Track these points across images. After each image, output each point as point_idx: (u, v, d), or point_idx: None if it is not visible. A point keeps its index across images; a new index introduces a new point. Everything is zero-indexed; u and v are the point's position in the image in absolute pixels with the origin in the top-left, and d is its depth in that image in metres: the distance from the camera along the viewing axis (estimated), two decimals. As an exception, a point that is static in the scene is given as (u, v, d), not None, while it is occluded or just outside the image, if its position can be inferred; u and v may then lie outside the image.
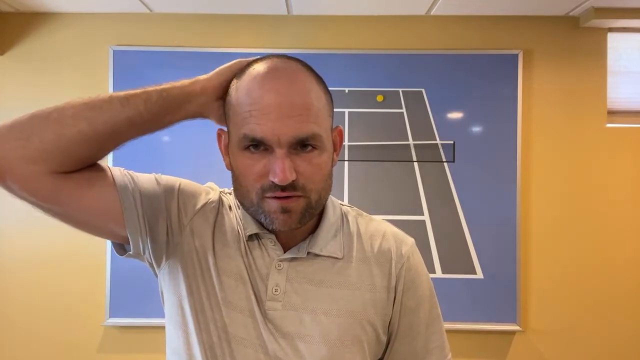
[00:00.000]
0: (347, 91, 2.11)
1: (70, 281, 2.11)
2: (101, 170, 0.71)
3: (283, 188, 0.65)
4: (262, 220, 0.69)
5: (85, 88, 2.14)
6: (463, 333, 2.07)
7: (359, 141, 2.10)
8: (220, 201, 0.79)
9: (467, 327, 2.05)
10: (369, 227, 0.81)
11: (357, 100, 2.11)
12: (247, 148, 0.66)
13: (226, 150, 0.74)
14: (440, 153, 2.10)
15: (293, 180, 0.65)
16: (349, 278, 0.75)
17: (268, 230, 0.74)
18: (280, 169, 0.63)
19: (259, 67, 0.68)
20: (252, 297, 0.71)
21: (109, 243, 2.27)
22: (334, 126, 0.75)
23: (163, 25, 2.15)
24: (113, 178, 0.70)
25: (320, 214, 0.78)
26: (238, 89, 0.68)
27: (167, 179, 0.77)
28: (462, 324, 2.05)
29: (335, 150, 0.75)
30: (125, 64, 2.11)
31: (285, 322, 0.71)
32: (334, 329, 0.71)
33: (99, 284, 2.08)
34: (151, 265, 0.78)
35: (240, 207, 0.77)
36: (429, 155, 2.10)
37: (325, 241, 0.76)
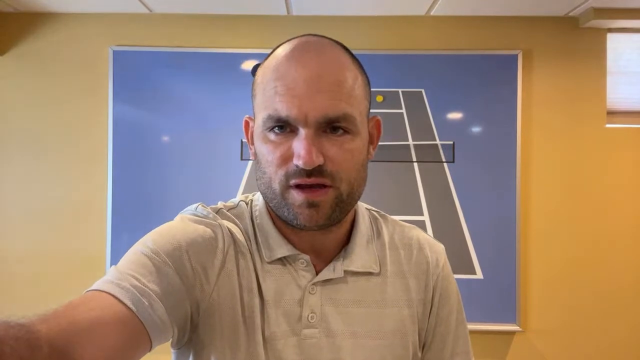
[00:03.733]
0: (347, 91, 2.11)
1: (70, 281, 2.11)
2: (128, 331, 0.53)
3: (308, 173, 0.57)
4: (285, 215, 0.61)
5: (85, 88, 2.15)
6: (463, 333, 2.06)
7: (359, 141, 2.09)
8: (233, 242, 0.66)
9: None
10: (401, 235, 0.75)
11: (357, 101, 2.11)
12: (271, 129, 0.59)
13: (252, 139, 0.66)
14: (440, 153, 2.10)
15: (320, 165, 0.57)
16: (386, 295, 0.69)
17: (299, 250, 0.67)
18: (305, 150, 0.55)
19: (288, 44, 0.62)
20: (286, 327, 0.64)
21: (108, 242, 2.27)
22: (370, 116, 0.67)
23: (163, 25, 2.15)
24: (141, 322, 0.54)
25: (352, 222, 0.71)
26: (265, 68, 0.62)
27: (166, 251, 0.60)
28: (462, 324, 2.04)
29: (372, 142, 0.68)
30: (125, 64, 2.11)
31: (324, 351, 0.65)
32: (376, 352, 0.66)
33: (98, 284, 2.08)
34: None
35: (255, 227, 0.69)
36: (428, 156, 2.10)
37: (360, 255, 0.69)
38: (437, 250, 0.76)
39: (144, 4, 2.05)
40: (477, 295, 2.05)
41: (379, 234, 0.74)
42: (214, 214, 0.68)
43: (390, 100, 2.11)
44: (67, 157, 2.15)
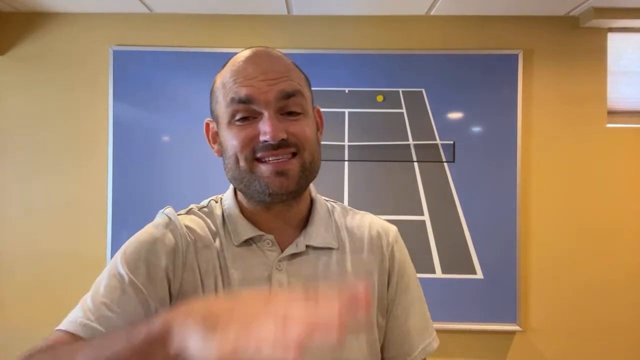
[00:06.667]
0: (347, 91, 2.11)
1: (70, 280, 2.11)
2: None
3: (275, 147, 0.66)
4: (257, 188, 0.69)
5: (85, 88, 2.15)
6: (463, 333, 2.06)
7: (359, 141, 2.09)
8: (193, 240, 0.72)
9: (467, 327, 2.05)
10: (354, 220, 0.83)
11: (357, 101, 2.11)
12: (236, 119, 0.69)
13: (214, 139, 0.77)
14: (440, 153, 2.10)
15: (284, 139, 0.66)
16: (346, 268, 0.76)
17: (264, 232, 0.73)
18: (271, 126, 0.65)
19: (240, 53, 0.74)
20: None
21: (109, 242, 2.26)
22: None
23: (163, 25, 2.15)
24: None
25: (310, 206, 0.80)
26: (222, 74, 0.73)
27: (131, 267, 0.67)
28: (462, 324, 2.04)
29: (318, 129, 0.78)
30: (125, 64, 2.11)
31: None
32: None
33: (98, 284, 2.08)
34: None
35: (225, 218, 0.75)
36: (429, 155, 2.10)
37: (319, 233, 0.77)
38: (389, 228, 0.84)
39: (144, 4, 2.05)
40: (477, 295, 2.05)
41: (334, 218, 0.82)
42: (175, 216, 0.73)
43: (391, 100, 2.11)
44: (67, 157, 2.15)
